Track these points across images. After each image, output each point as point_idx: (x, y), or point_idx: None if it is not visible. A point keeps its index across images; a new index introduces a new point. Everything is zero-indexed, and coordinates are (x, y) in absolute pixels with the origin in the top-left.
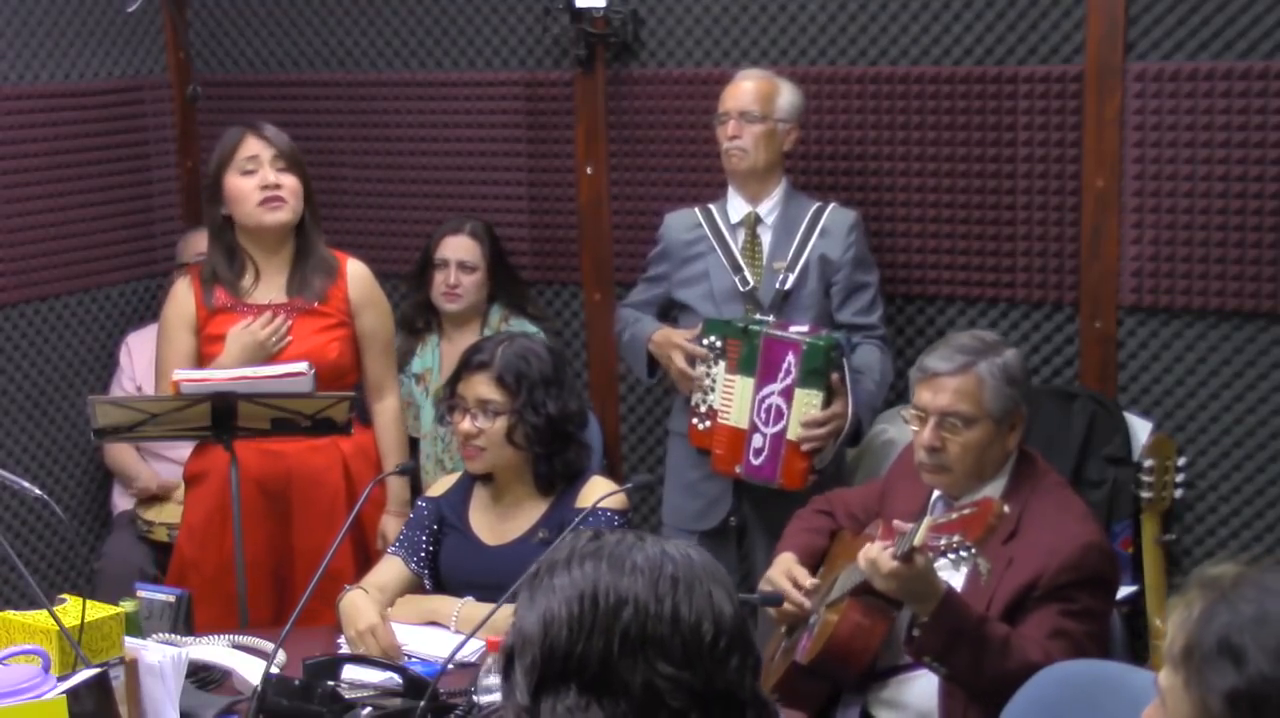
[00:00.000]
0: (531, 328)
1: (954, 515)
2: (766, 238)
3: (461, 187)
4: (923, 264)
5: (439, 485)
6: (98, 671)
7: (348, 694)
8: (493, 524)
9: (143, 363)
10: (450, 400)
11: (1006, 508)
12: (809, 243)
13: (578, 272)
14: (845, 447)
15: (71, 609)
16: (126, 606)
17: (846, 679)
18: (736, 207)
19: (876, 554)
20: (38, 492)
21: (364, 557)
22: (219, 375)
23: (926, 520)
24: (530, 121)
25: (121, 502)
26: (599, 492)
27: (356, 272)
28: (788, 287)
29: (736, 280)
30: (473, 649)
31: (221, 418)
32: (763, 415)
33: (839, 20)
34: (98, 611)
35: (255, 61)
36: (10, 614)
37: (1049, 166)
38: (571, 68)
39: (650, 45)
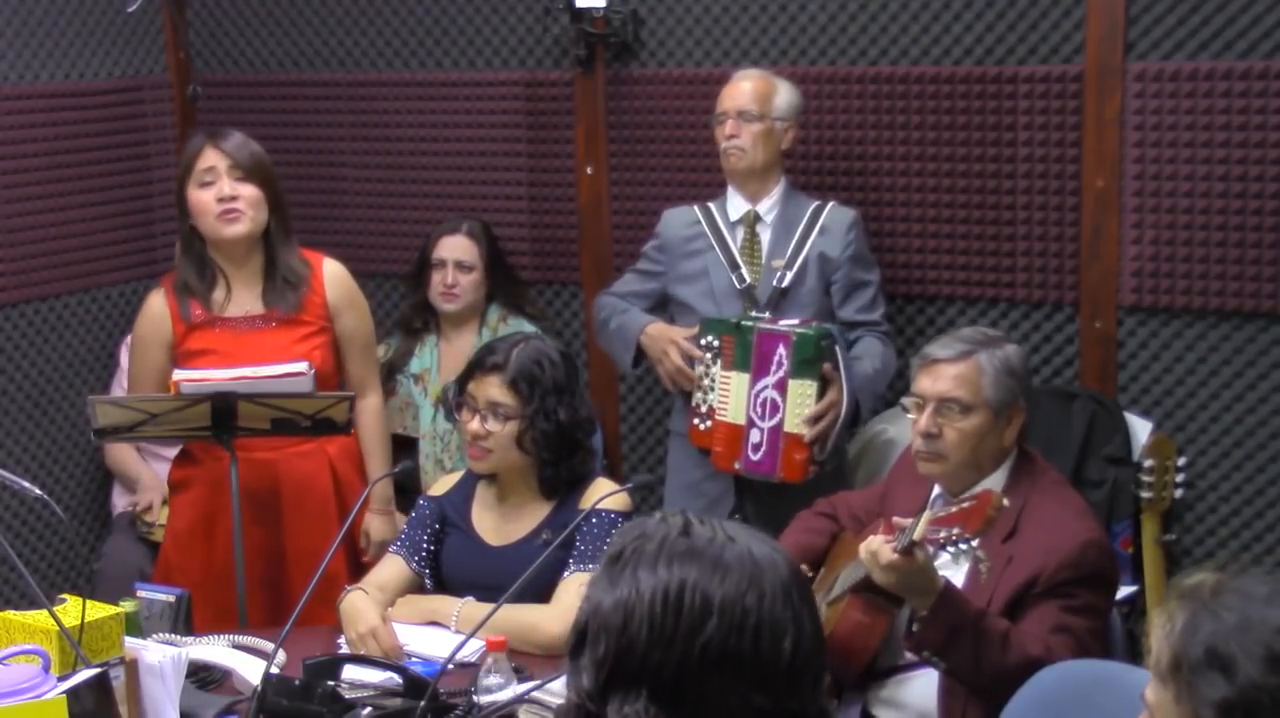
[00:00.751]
0: (530, 328)
1: (953, 509)
2: (765, 236)
3: (461, 186)
4: (923, 264)
5: (441, 485)
6: (98, 671)
7: (348, 694)
8: (496, 524)
9: None
10: (459, 398)
11: (1006, 501)
12: (808, 241)
13: (578, 272)
14: (845, 429)
15: (71, 609)
16: (126, 606)
17: (846, 678)
18: (736, 205)
19: (878, 547)
20: (38, 492)
21: (354, 556)
22: (219, 376)
23: (926, 514)
24: (530, 121)
25: (121, 502)
26: (601, 492)
27: (333, 273)
28: (785, 284)
29: (734, 278)
30: (473, 649)
31: (221, 418)
32: (759, 410)
33: (839, 20)
34: (98, 611)
35: (255, 61)
36: (10, 614)
37: (1049, 166)
38: (571, 68)
39: (650, 45)
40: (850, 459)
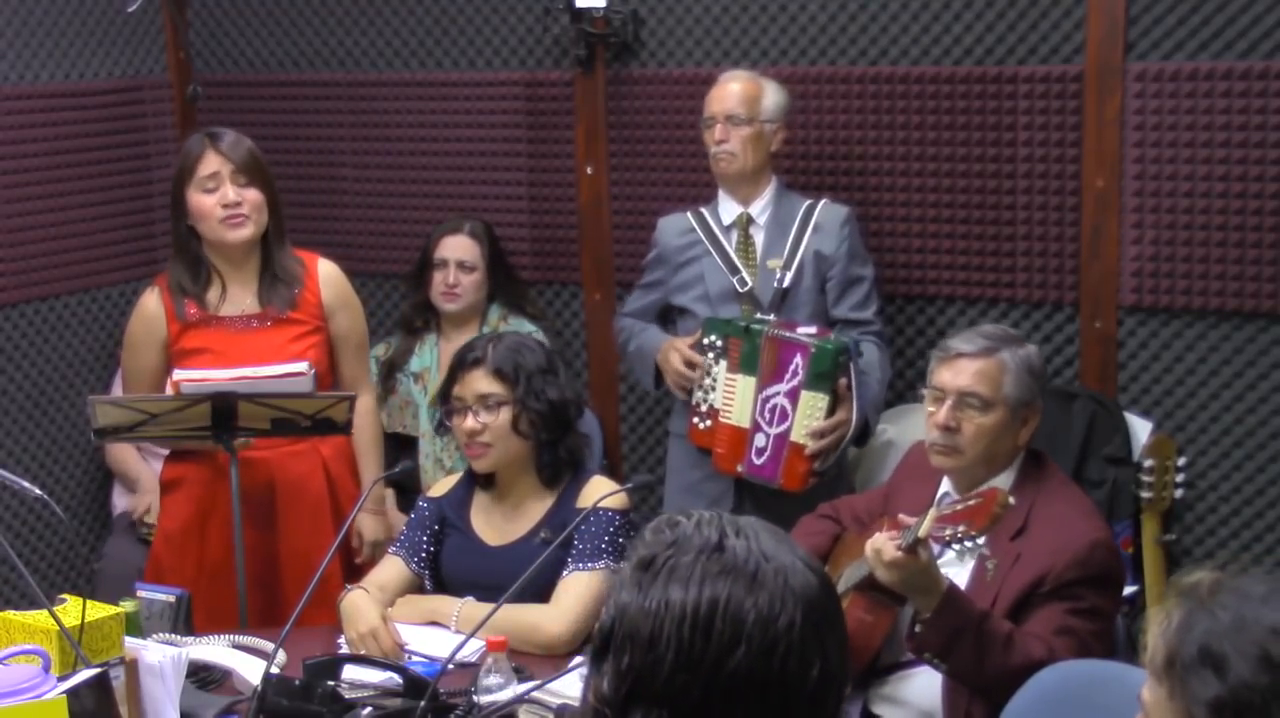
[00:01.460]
0: (530, 327)
1: (959, 506)
2: (759, 237)
3: (461, 186)
4: (923, 264)
5: (440, 486)
6: (98, 671)
7: (348, 694)
8: (494, 524)
9: None
10: (448, 406)
11: (1012, 499)
12: (803, 239)
13: (578, 272)
14: (850, 445)
15: (71, 609)
16: (126, 606)
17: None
18: (728, 208)
19: (881, 544)
20: (38, 492)
21: (348, 557)
22: (219, 376)
23: (932, 512)
24: (530, 121)
25: (121, 502)
26: (600, 491)
27: (328, 273)
28: (786, 285)
29: (735, 281)
30: (473, 649)
31: (221, 418)
32: (766, 415)
33: (839, 20)
34: (98, 611)
35: (255, 61)
36: (10, 614)
37: (1049, 166)
38: (571, 68)
39: (650, 45)
40: (850, 460)
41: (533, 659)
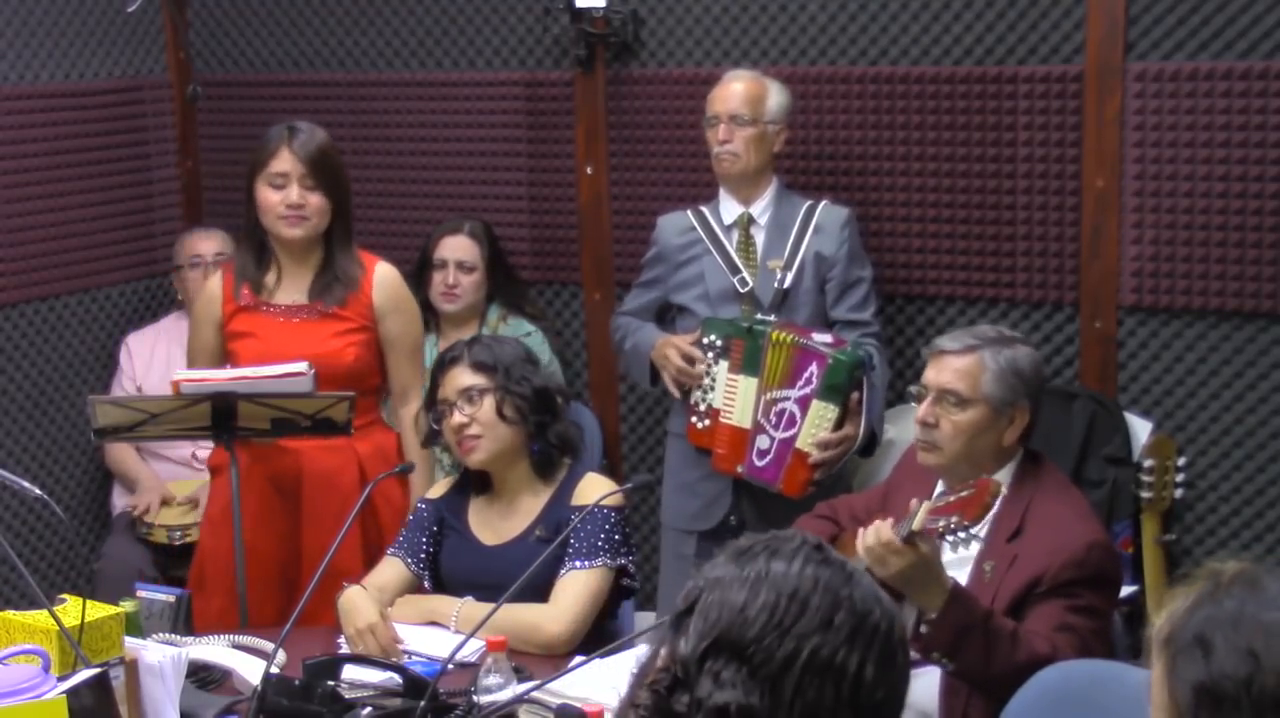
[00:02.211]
0: (530, 327)
1: (951, 497)
2: (760, 238)
3: (461, 186)
4: (922, 264)
5: (438, 487)
6: (98, 671)
7: (348, 694)
8: (491, 524)
9: (142, 363)
10: (435, 411)
11: (1005, 489)
12: (804, 240)
13: (578, 272)
14: (855, 455)
15: (71, 609)
16: (126, 606)
17: None
18: (729, 208)
19: (877, 524)
20: (38, 492)
21: (374, 559)
22: (219, 375)
23: (925, 504)
24: (530, 121)
25: (121, 502)
26: (596, 489)
27: (383, 276)
28: (786, 285)
29: (735, 281)
30: (473, 649)
31: (221, 418)
32: (772, 418)
33: (839, 20)
34: (98, 611)
35: (255, 61)
36: (10, 614)
37: (1049, 166)
38: (571, 68)
39: (650, 45)
40: (850, 460)
41: (533, 659)
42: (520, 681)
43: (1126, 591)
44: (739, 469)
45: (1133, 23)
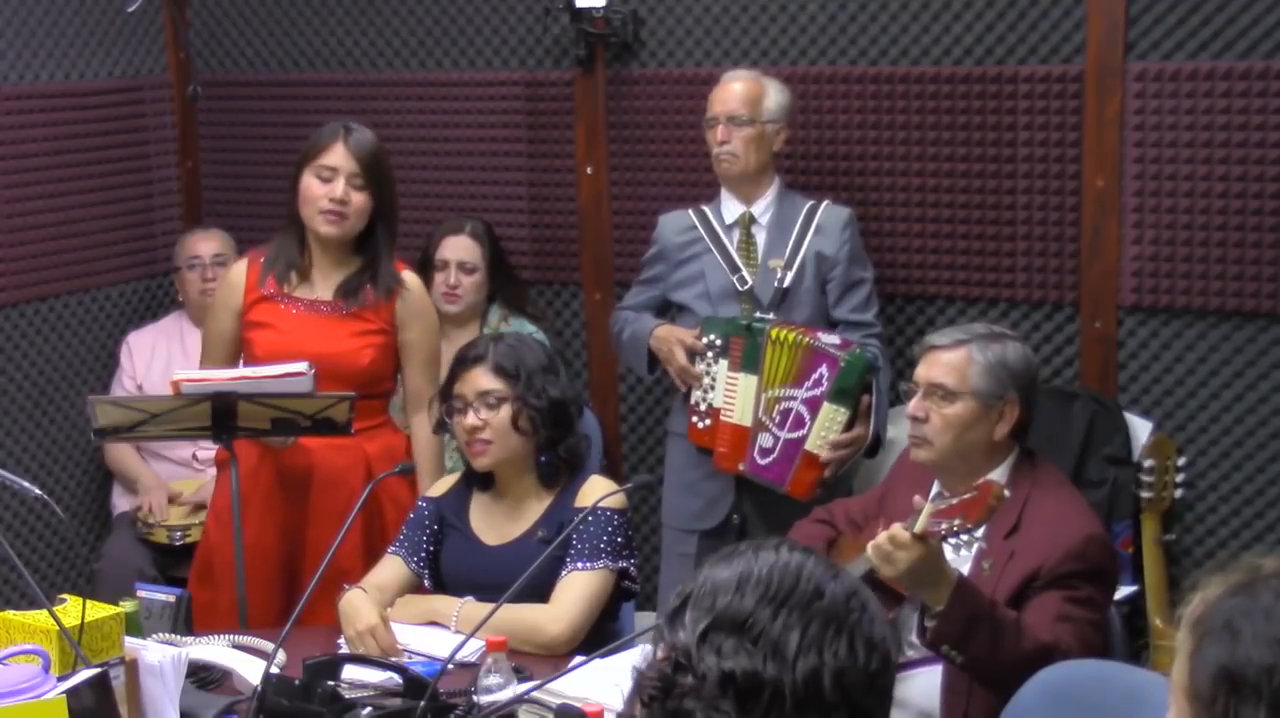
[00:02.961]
0: (530, 328)
1: (954, 500)
2: (761, 237)
3: (461, 186)
4: (922, 264)
5: (439, 486)
6: (98, 671)
7: (348, 694)
8: (493, 524)
9: (143, 363)
10: (448, 404)
11: (1008, 492)
12: (805, 240)
13: (578, 272)
14: (862, 457)
15: (71, 609)
16: (126, 606)
17: None
18: (731, 208)
19: (895, 529)
20: (38, 492)
21: (376, 559)
22: (219, 375)
23: (928, 506)
24: (530, 121)
25: (121, 502)
26: (599, 491)
27: (410, 285)
28: (786, 284)
29: (735, 280)
30: (473, 649)
31: (221, 418)
32: (776, 418)
33: (839, 20)
34: (98, 611)
35: (255, 61)
36: (10, 614)
37: (1049, 166)
38: (571, 68)
39: (650, 45)
40: (855, 461)
41: (533, 659)
42: (520, 681)
43: (1126, 591)
44: (740, 467)
45: (1133, 23)
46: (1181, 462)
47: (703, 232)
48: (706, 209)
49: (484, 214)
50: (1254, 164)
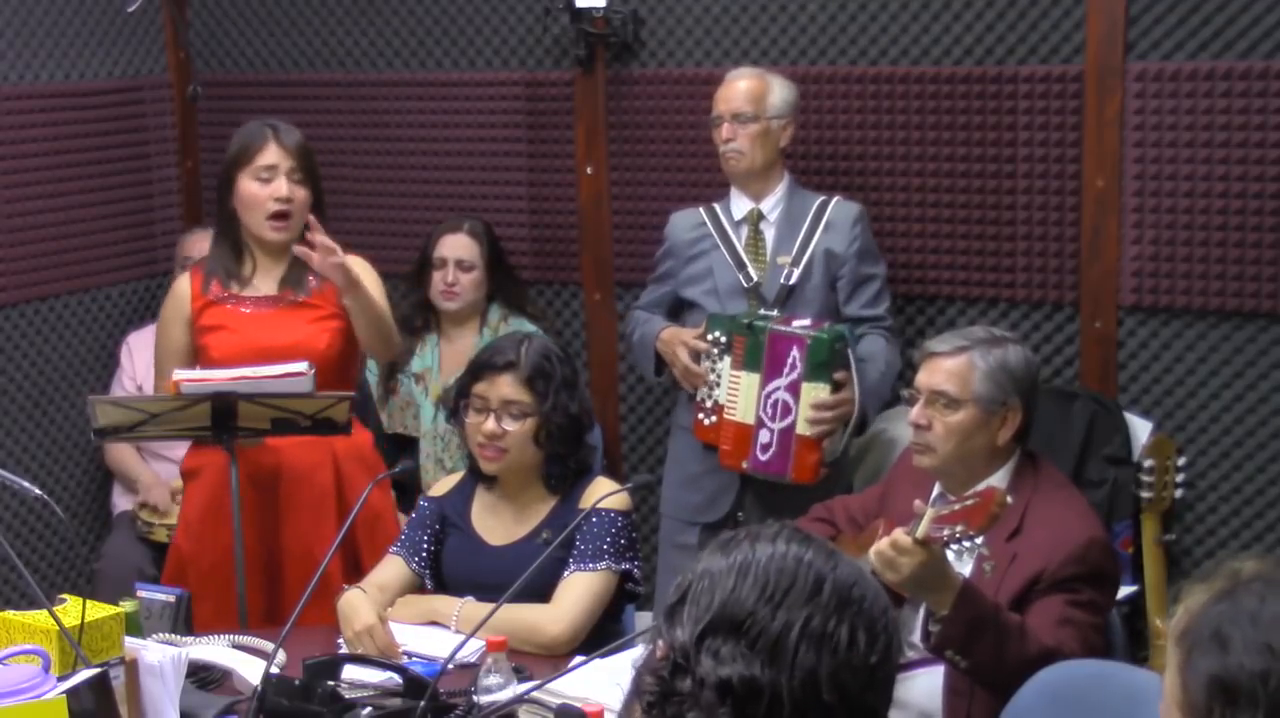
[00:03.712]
0: (530, 327)
1: (956, 506)
2: (770, 234)
3: (461, 186)
4: (923, 264)
5: (441, 485)
6: (98, 671)
7: (348, 694)
8: (496, 524)
9: (143, 363)
10: (465, 400)
11: (1010, 498)
12: (814, 237)
13: (578, 272)
14: (853, 434)
15: (71, 609)
16: (126, 606)
17: None
18: (740, 205)
19: (897, 535)
20: (38, 492)
21: (353, 559)
22: (219, 375)
23: (929, 512)
24: (530, 121)
25: (121, 502)
26: (603, 492)
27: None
28: (792, 281)
29: (740, 277)
30: (473, 649)
31: (221, 418)
32: (769, 411)
33: (839, 20)
34: (98, 611)
35: (255, 61)
36: (10, 614)
37: (1049, 166)
38: (571, 68)
39: (650, 45)
40: (850, 458)
41: (533, 659)
42: (520, 681)
43: (1126, 591)
44: (744, 465)
45: (1133, 23)
46: (1181, 462)
47: (711, 228)
48: (716, 206)
49: (484, 214)
50: (1254, 164)
